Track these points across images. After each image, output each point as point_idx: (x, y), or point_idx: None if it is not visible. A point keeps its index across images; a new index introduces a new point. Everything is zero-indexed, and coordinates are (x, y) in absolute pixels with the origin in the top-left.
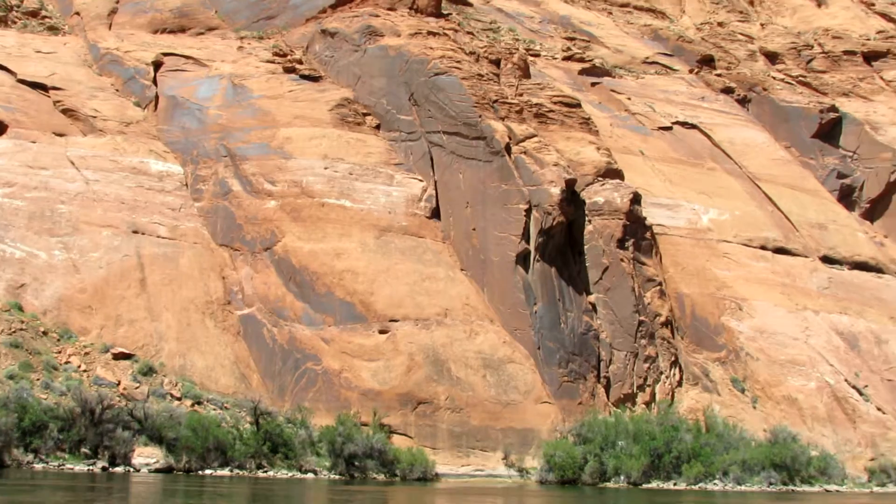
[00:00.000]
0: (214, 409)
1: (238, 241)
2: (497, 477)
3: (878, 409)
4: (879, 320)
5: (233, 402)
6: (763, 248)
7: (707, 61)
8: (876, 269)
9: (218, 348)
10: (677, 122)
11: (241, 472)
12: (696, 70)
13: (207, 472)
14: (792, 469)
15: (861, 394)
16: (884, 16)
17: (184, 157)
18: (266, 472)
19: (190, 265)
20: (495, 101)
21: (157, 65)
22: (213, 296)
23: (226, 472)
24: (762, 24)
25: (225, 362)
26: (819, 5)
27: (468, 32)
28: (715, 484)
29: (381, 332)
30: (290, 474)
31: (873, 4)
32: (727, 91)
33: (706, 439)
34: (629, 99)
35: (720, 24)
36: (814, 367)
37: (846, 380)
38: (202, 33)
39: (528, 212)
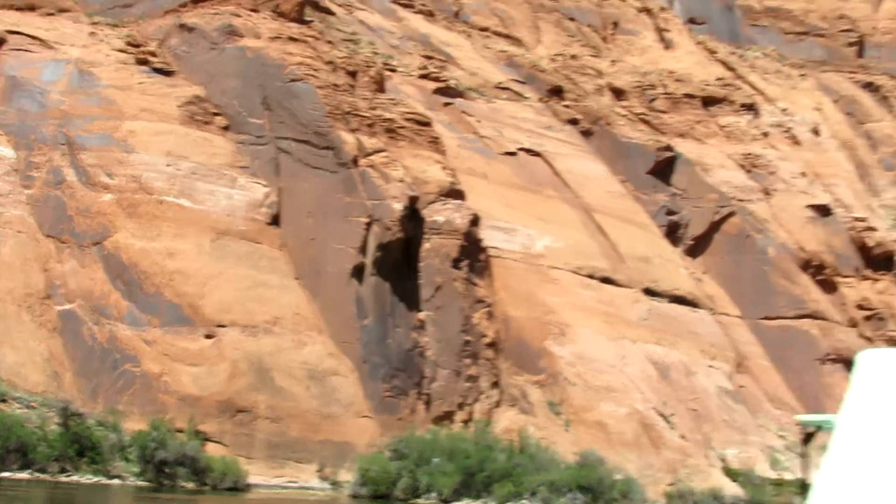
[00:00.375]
0: (21, 408)
1: (67, 234)
2: (310, 489)
3: (682, 437)
4: (691, 353)
5: (41, 402)
6: (591, 276)
7: (557, 91)
8: (692, 303)
9: (32, 343)
10: (523, 149)
11: (41, 476)
12: (545, 99)
13: (5, 474)
14: (597, 491)
15: (667, 422)
16: (724, 64)
17: (18, 140)
18: (69, 476)
19: (12, 254)
20: (348, 113)
21: (0, 42)
22: (34, 288)
23: (25, 475)
24: (612, 61)
25: (37, 359)
26: (666, 48)
27: (328, 41)
28: (523, 503)
29: (208, 336)
30: (95, 479)
31: (715, 52)
32: (573, 122)
33: (519, 460)
34: (479, 122)
35: (573, 57)
36: (626, 394)
37: (654, 408)
38: (52, 14)
39: (369, 226)
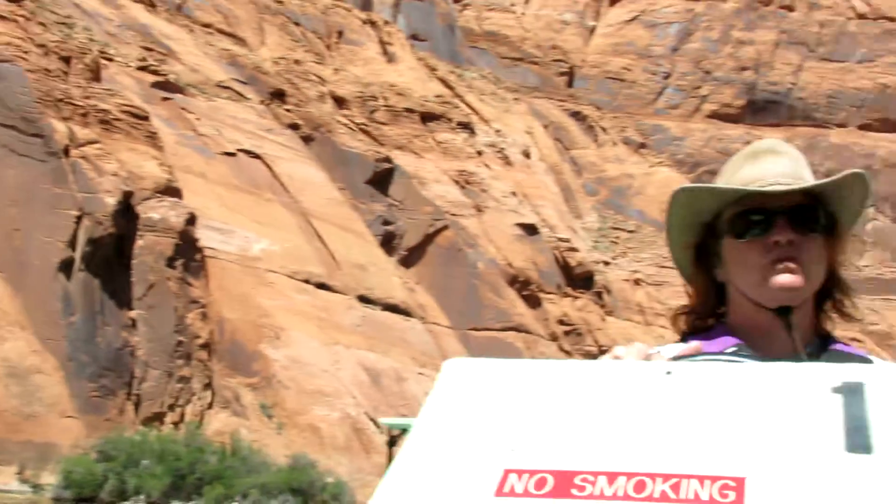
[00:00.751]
0: None
1: None
2: (8, 493)
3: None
4: (402, 360)
5: None
6: (307, 281)
7: (279, 95)
8: (405, 312)
9: None
10: (242, 150)
11: None
12: (267, 102)
13: None
14: (308, 494)
15: (377, 427)
16: (443, 82)
17: None
18: None
19: None
20: (60, 101)
21: None
22: None
23: None
24: (336, 69)
25: None
26: (389, 61)
27: (40, 23)
28: None
29: None
30: None
31: (436, 70)
32: (294, 127)
33: (230, 462)
34: (199, 119)
35: (296, 62)
36: (339, 398)
37: (366, 413)
38: None
39: (80, 219)
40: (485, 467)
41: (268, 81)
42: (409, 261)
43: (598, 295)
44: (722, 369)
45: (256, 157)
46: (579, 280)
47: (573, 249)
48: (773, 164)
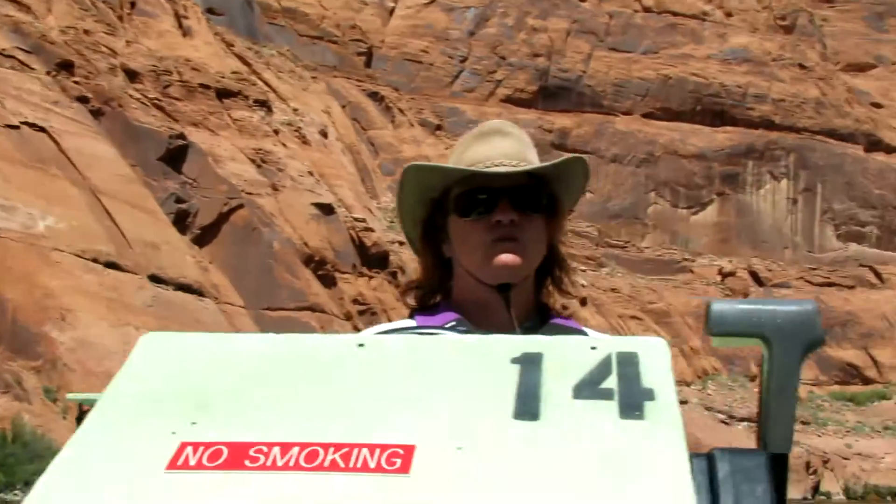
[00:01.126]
0: None
1: None
2: None
3: None
4: None
5: None
6: (95, 260)
7: (66, 66)
8: (198, 292)
9: None
10: (26, 123)
11: None
12: (54, 73)
13: None
14: None
15: None
16: (241, 58)
17: None
18: None
19: None
20: None
21: None
22: None
23: None
24: (128, 42)
25: None
26: (184, 35)
27: None
28: (16, 495)
29: None
30: None
31: (233, 45)
32: (83, 100)
33: (11, 449)
34: None
35: (86, 32)
36: None
37: None
38: None
39: None
40: (162, 442)
41: (55, 52)
42: (202, 240)
43: (393, 275)
44: (414, 341)
45: (42, 130)
46: (374, 260)
47: (369, 229)
48: (500, 144)
